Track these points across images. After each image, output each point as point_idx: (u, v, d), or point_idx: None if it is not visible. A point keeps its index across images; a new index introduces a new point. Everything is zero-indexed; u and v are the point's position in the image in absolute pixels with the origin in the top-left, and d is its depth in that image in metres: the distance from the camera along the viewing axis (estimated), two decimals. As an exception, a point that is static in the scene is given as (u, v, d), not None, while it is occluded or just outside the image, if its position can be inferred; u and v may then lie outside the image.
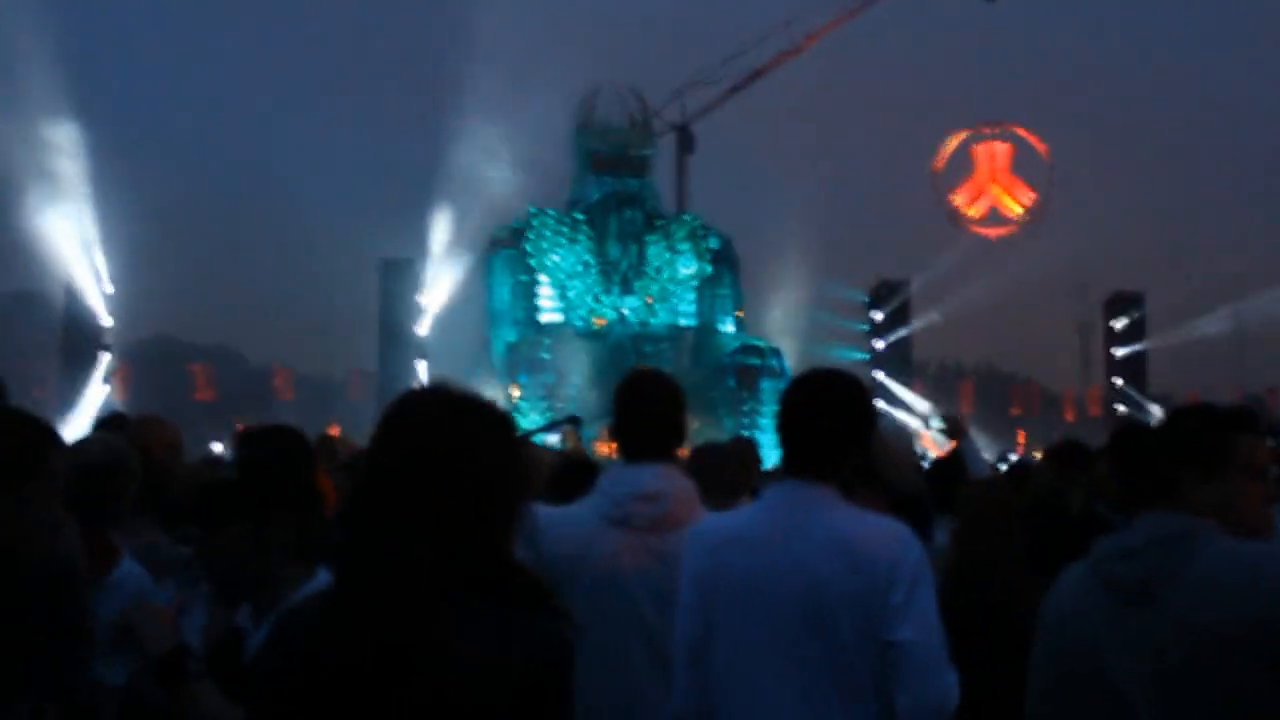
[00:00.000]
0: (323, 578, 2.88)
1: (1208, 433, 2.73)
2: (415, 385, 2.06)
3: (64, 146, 40.55)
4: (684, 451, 5.80)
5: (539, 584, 1.96)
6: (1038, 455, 38.98)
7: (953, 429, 6.91)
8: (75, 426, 43.92)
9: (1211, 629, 2.45)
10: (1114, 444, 6.21)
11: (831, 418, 3.13)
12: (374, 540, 1.84)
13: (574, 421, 29.14)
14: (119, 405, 48.76)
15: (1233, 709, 2.42)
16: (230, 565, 2.89)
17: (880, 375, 54.38)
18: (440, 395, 2.02)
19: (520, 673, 1.82)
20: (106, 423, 7.95)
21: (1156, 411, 56.26)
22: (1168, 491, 2.69)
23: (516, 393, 47.63)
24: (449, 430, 1.93)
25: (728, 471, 5.40)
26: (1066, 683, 2.75)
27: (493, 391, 49.31)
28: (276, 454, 3.79)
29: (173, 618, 2.73)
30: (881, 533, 3.01)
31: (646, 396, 3.79)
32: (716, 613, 3.05)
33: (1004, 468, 15.66)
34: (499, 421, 2.00)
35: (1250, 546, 2.55)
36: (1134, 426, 6.77)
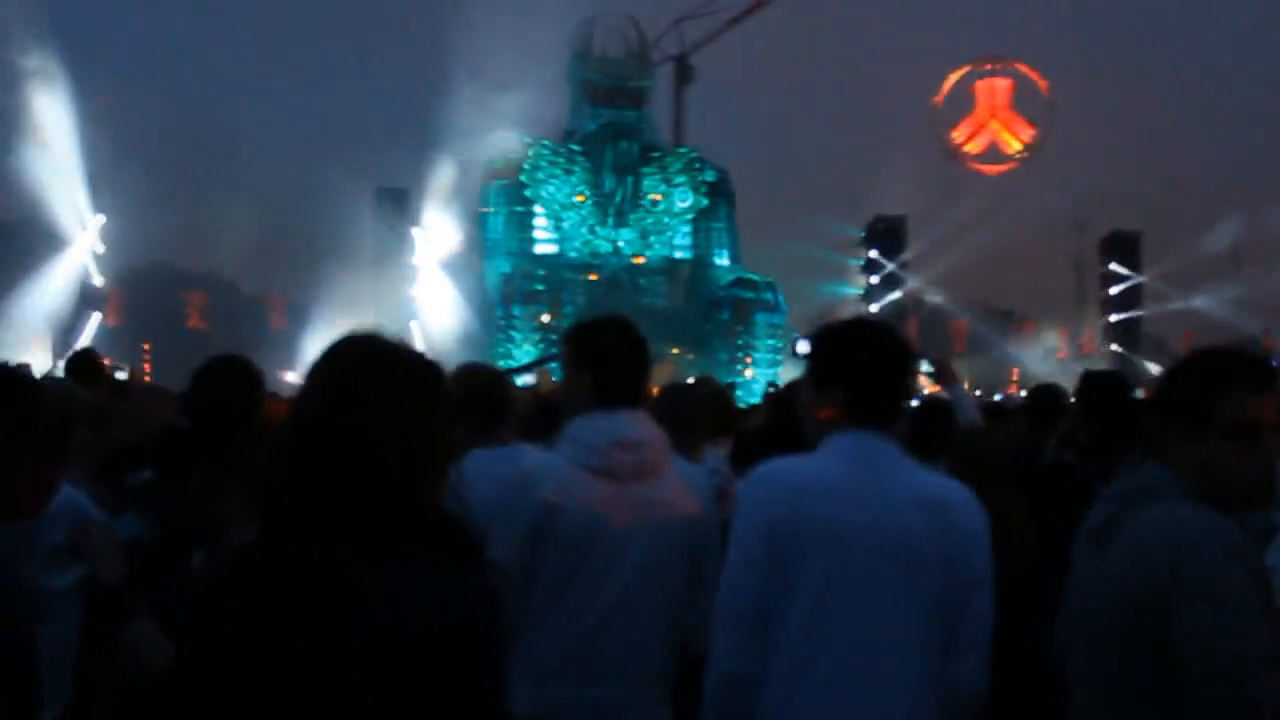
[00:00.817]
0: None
1: (1189, 388, 2.64)
2: (345, 335, 2.04)
3: (52, 74, 40.30)
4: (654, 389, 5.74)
5: (466, 535, 1.96)
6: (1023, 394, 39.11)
7: (941, 374, 6.76)
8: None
9: (1117, 590, 2.46)
10: (1082, 393, 6.20)
11: (898, 368, 3.08)
12: (294, 490, 1.85)
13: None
14: (111, 332, 48.81)
15: (1127, 674, 2.43)
16: (187, 514, 2.84)
17: (873, 309, 54.28)
18: (365, 344, 1.99)
19: (440, 624, 1.82)
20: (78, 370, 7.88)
21: (1152, 368, 56.50)
22: (1158, 448, 2.65)
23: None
24: (372, 379, 1.92)
25: (702, 418, 5.33)
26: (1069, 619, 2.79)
27: (485, 325, 49.44)
28: (229, 395, 3.70)
29: (121, 545, 2.70)
30: (963, 499, 3.00)
31: (625, 343, 3.73)
32: (794, 565, 2.89)
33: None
34: (424, 371, 1.99)
35: (1172, 514, 2.48)
36: (1100, 376, 6.63)
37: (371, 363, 1.94)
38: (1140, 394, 8.35)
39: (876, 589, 2.86)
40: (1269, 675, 2.20)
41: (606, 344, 3.70)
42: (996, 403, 9.70)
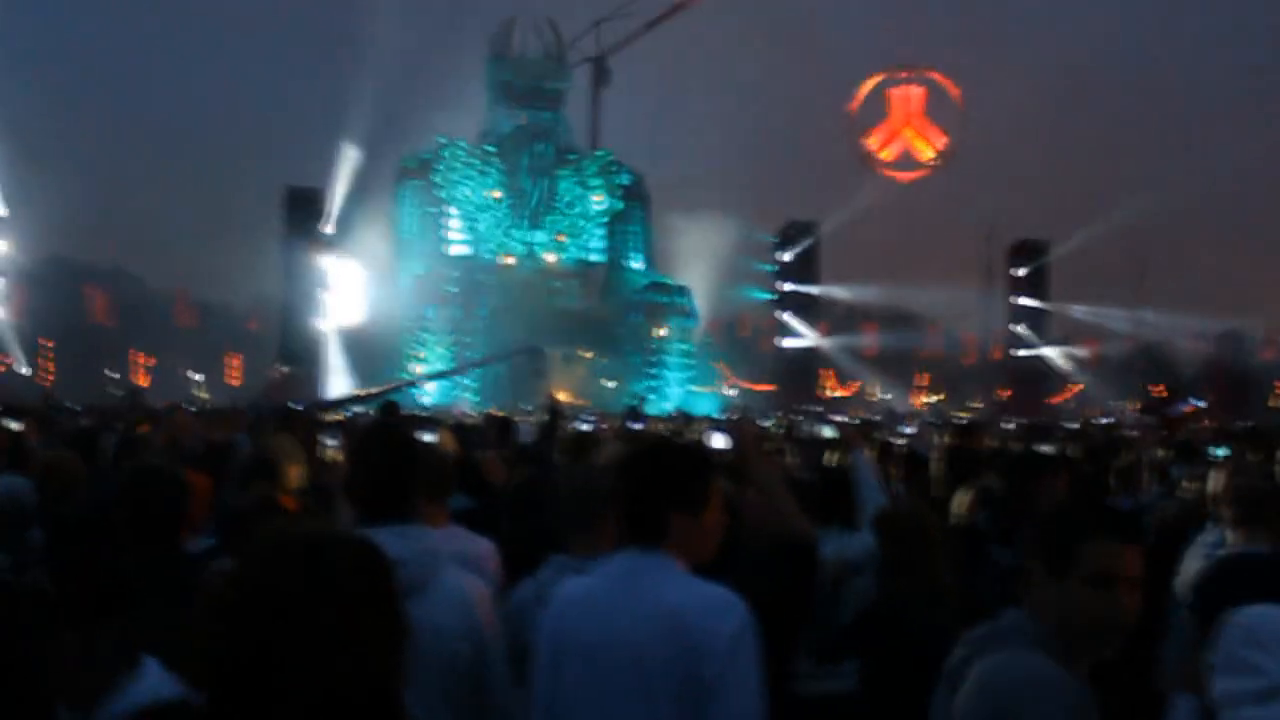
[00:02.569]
0: (150, 675, 2.65)
1: (1054, 534, 2.67)
2: (267, 535, 1.90)
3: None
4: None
5: None
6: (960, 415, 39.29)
7: (843, 441, 6.70)
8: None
9: None
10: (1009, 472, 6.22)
11: (657, 487, 3.08)
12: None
13: (532, 352, 29.18)
14: (12, 328, 47.68)
15: None
16: (54, 677, 2.71)
17: (786, 316, 54.78)
18: (295, 540, 1.85)
19: None
20: None
21: (1053, 355, 57.56)
22: (1024, 587, 2.69)
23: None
24: (305, 578, 1.77)
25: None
26: None
27: (399, 324, 49.01)
28: (96, 546, 3.46)
29: None
30: (703, 601, 2.96)
31: (383, 454, 3.63)
32: (562, 676, 3.03)
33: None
34: (361, 561, 1.85)
35: (1011, 661, 2.57)
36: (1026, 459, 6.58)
37: (302, 559, 1.80)
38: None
39: (616, 700, 2.94)
40: None
41: (361, 457, 3.58)
42: (913, 453, 9.66)
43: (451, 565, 3.49)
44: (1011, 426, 21.16)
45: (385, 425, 3.51)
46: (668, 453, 3.37)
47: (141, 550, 3.79)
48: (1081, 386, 59.77)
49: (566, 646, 3.01)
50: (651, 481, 3.11)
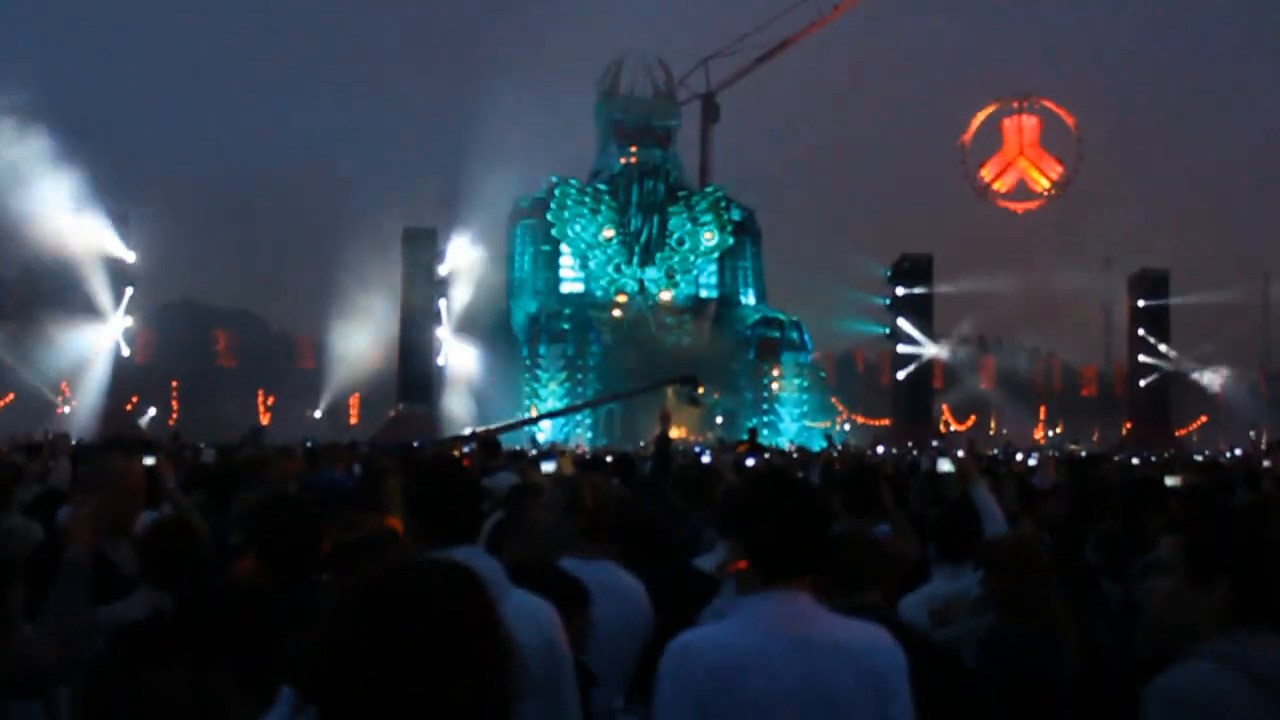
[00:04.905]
0: (281, 708, 2.50)
1: None
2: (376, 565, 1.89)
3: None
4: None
5: None
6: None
7: (963, 472, 6.50)
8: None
9: None
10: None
11: (799, 522, 3.02)
12: None
13: (689, 381, 29.10)
14: (139, 369, 49.17)
15: None
16: (162, 714, 2.58)
17: (901, 349, 54.14)
18: (407, 571, 1.84)
19: None
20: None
21: (1189, 369, 55.89)
22: None
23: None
24: (430, 608, 1.76)
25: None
26: None
27: (512, 360, 49.48)
28: (225, 594, 3.39)
29: None
30: (879, 641, 2.98)
31: (452, 483, 3.53)
32: None
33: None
34: (461, 584, 1.83)
35: None
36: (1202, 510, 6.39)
37: (422, 590, 1.79)
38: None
39: None
40: None
41: (424, 486, 3.57)
42: (1031, 487, 9.41)
43: (519, 589, 3.44)
44: (1136, 461, 20.59)
45: (446, 457, 3.60)
46: (808, 489, 3.26)
47: (277, 581, 3.80)
48: (1205, 419, 58.02)
49: (732, 701, 2.88)
50: (802, 515, 3.03)
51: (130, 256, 45.29)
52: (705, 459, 15.65)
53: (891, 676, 2.94)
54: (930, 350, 54.73)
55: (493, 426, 24.46)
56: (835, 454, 18.93)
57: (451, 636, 1.74)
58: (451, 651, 1.73)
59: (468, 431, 32.94)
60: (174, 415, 53.63)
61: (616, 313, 51.77)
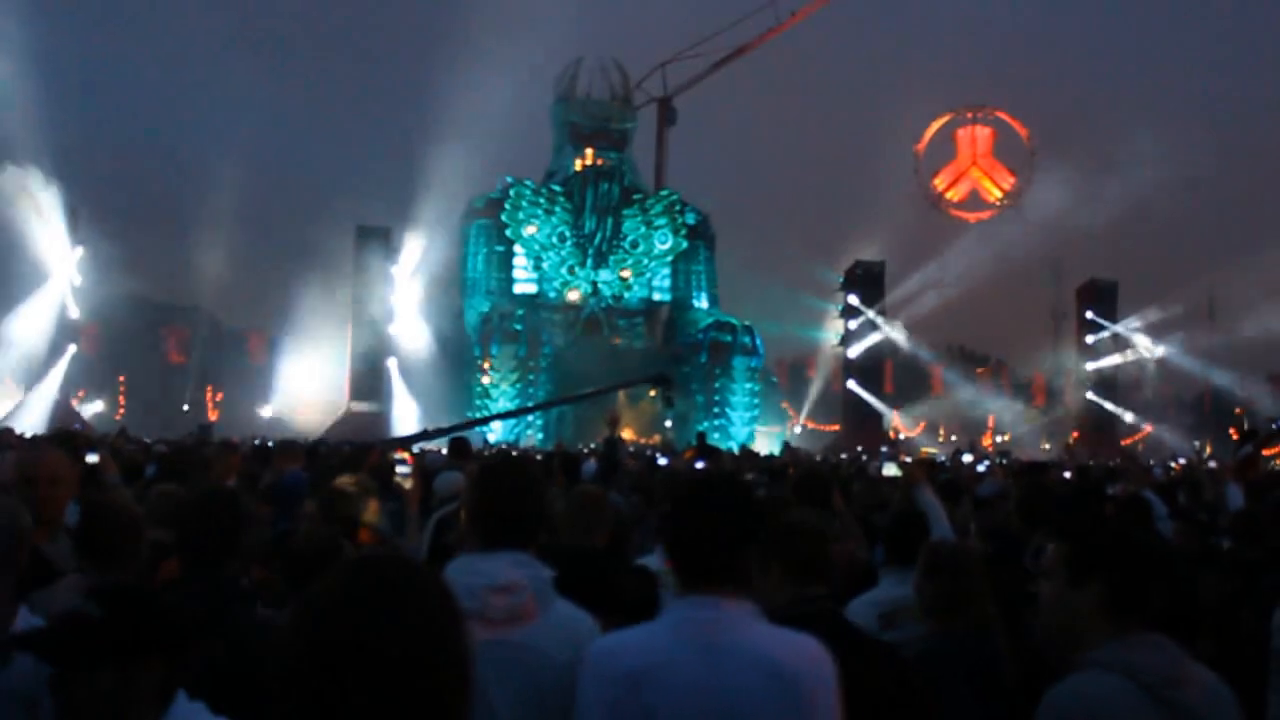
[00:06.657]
0: (180, 714, 2.54)
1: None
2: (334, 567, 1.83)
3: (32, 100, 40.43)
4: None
5: None
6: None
7: (908, 478, 6.53)
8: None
9: None
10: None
11: (728, 523, 2.94)
12: None
13: (663, 382, 29.05)
14: (87, 362, 48.58)
15: None
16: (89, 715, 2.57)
17: (851, 354, 54.47)
18: (367, 577, 1.77)
19: None
20: None
21: (1127, 416, 56.50)
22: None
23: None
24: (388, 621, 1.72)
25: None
26: None
27: (465, 359, 49.31)
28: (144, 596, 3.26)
29: None
30: (803, 652, 2.87)
31: (508, 484, 3.47)
32: None
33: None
34: (408, 578, 1.79)
35: None
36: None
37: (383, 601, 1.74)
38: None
39: None
40: None
41: (478, 488, 3.53)
42: (983, 496, 9.50)
43: (563, 599, 3.40)
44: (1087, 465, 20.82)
45: (509, 459, 3.55)
46: (738, 486, 3.20)
47: (193, 572, 3.75)
48: (1150, 429, 58.77)
49: (637, 707, 2.83)
50: (723, 519, 2.95)
51: (78, 250, 44.76)
52: (662, 461, 15.72)
53: (814, 690, 2.83)
54: (883, 332, 54.76)
55: (443, 426, 24.33)
56: (789, 459, 19.05)
57: (414, 645, 1.73)
58: (412, 662, 1.73)
59: (418, 431, 32.89)
60: (120, 410, 53.06)
61: (569, 314, 51.79)
